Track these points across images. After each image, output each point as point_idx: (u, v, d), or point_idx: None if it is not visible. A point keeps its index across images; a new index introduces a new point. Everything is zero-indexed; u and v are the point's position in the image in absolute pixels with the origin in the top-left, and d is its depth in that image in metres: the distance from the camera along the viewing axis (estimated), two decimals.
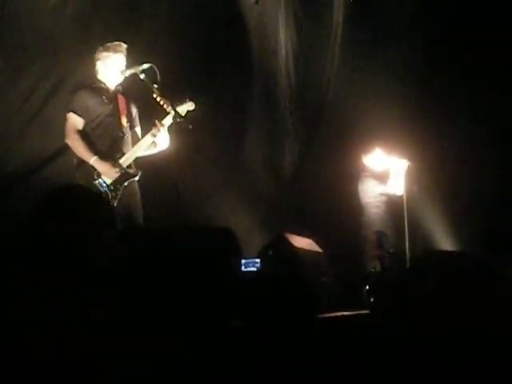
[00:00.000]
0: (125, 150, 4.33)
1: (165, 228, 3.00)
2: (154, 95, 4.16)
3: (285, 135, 6.90)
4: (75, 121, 4.25)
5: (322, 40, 6.96)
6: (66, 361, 1.38)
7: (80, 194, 1.56)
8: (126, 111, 4.44)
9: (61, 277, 1.47)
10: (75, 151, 4.25)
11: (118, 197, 4.23)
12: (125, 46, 4.35)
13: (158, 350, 1.70)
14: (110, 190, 4.20)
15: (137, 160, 4.40)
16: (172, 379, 1.72)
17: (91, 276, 1.51)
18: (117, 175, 4.23)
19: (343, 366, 2.29)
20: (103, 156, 4.23)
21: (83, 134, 4.25)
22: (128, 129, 4.43)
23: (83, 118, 4.26)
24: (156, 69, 4.19)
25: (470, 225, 5.20)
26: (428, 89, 6.13)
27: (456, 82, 5.90)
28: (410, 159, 5.73)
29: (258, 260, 2.64)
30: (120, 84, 4.43)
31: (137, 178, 4.37)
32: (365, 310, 3.84)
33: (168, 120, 4.28)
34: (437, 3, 6.22)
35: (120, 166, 4.25)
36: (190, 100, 4.44)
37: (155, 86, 4.15)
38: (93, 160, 4.19)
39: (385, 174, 5.96)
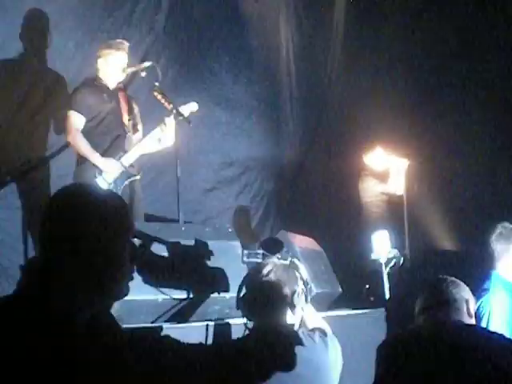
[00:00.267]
0: (126, 147, 4.32)
1: None
2: (156, 93, 4.16)
3: (285, 134, 6.90)
4: (76, 119, 4.25)
5: (323, 38, 6.96)
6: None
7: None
8: (127, 109, 4.43)
9: None
10: (77, 149, 4.26)
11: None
12: (127, 44, 4.35)
13: None
14: (111, 188, 4.20)
15: (138, 159, 4.39)
16: None
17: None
18: (118, 173, 4.23)
19: (343, 365, 2.30)
20: (105, 154, 4.23)
21: (84, 132, 4.24)
22: (130, 127, 4.42)
23: (84, 115, 4.25)
24: (157, 67, 4.20)
25: (470, 224, 5.19)
26: (429, 88, 6.12)
27: (459, 81, 5.89)
28: (410, 158, 5.73)
29: (260, 251, 2.63)
30: (121, 82, 4.43)
31: (138, 177, 4.37)
32: (365, 309, 3.86)
33: (170, 118, 4.27)
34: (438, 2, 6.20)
35: (121, 164, 4.25)
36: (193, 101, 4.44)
37: (156, 84, 4.15)
38: (94, 158, 4.19)
39: (385, 173, 5.96)
